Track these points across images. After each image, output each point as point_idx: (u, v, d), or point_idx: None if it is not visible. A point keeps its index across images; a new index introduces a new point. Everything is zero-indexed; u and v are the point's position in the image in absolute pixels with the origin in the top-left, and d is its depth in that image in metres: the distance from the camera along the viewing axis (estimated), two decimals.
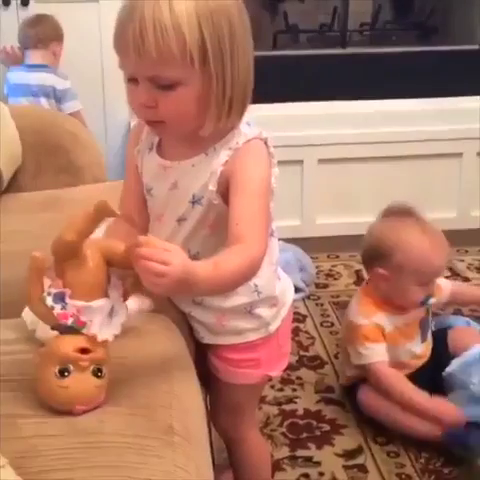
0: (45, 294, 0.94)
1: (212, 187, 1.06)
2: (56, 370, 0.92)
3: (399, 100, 2.85)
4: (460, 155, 2.79)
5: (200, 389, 1.16)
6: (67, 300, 0.93)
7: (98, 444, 0.89)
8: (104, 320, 0.95)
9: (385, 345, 1.73)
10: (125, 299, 0.99)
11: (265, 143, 1.09)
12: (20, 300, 1.22)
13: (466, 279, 2.49)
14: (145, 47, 0.95)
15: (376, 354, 1.72)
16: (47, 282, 0.96)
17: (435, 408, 1.64)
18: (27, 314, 1.13)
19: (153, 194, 1.15)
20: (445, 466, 1.61)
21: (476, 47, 3.02)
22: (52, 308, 0.93)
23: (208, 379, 1.29)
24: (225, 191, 1.06)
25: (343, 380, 1.88)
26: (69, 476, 0.84)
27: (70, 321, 0.93)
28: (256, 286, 1.17)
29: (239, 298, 1.17)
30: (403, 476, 1.59)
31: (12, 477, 0.83)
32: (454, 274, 2.53)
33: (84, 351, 0.93)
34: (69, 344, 0.93)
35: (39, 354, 0.95)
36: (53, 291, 0.94)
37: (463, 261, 2.62)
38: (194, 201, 1.09)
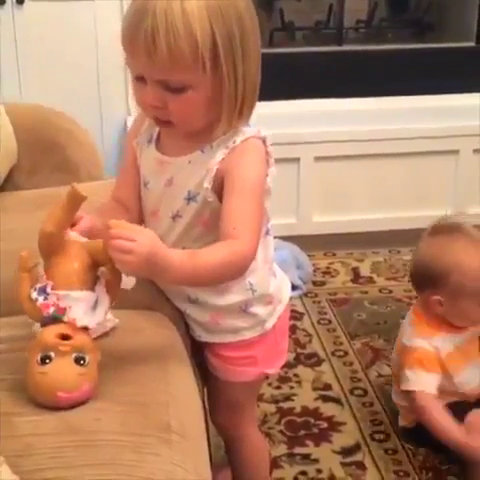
0: (31, 290, 0.97)
1: (207, 185, 1.06)
2: (38, 357, 0.93)
3: (395, 97, 2.84)
4: (457, 152, 2.79)
5: (197, 387, 1.16)
6: (48, 291, 0.95)
7: (94, 442, 0.89)
8: (86, 310, 0.96)
9: (438, 377, 1.59)
10: (113, 298, 1.01)
11: (263, 142, 1.08)
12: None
13: None
14: (157, 51, 0.94)
15: (425, 383, 1.58)
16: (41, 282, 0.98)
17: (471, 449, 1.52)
18: None
19: (149, 188, 1.14)
20: (443, 463, 1.61)
21: (472, 44, 3.02)
22: (36, 300, 0.95)
23: (206, 377, 1.29)
24: (220, 189, 1.06)
25: (404, 421, 1.70)
26: (65, 474, 0.84)
27: (51, 310, 0.95)
28: (251, 284, 1.16)
29: (234, 296, 1.16)
30: (401, 473, 1.59)
31: (9, 475, 0.83)
32: None
33: (65, 338, 0.94)
34: (50, 331, 0.95)
35: (28, 350, 0.96)
36: (38, 286, 0.97)
37: None
38: (189, 198, 1.08)
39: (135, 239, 0.90)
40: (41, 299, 0.95)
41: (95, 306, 0.98)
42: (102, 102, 2.78)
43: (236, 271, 1.03)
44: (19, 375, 0.99)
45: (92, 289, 0.99)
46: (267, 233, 1.18)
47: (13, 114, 1.83)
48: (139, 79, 1.01)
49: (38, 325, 1.01)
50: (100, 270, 1.01)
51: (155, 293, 1.23)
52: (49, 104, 2.00)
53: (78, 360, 0.94)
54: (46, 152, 1.88)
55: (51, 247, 0.97)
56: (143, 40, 0.94)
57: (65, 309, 0.95)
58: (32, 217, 1.62)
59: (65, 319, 0.95)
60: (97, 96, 2.77)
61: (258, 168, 1.06)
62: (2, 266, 1.28)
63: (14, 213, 1.65)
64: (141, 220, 1.18)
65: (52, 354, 0.93)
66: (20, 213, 1.65)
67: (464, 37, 3.06)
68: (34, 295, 0.96)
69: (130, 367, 1.04)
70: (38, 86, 2.59)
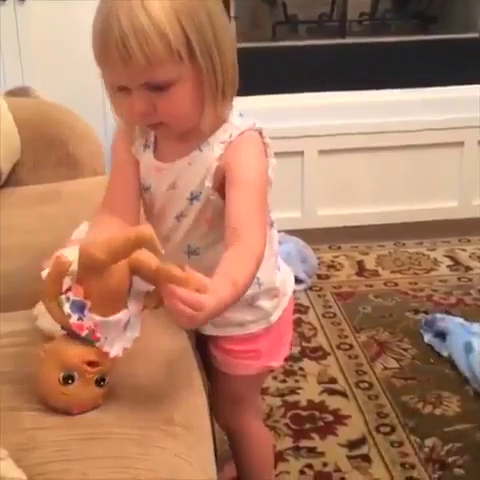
0: (63, 298, 0.89)
1: (208, 183, 1.05)
2: (60, 376, 0.90)
3: (399, 90, 2.83)
4: (461, 144, 2.78)
5: (202, 380, 1.16)
6: (86, 312, 0.89)
7: (97, 435, 0.89)
8: (118, 334, 0.92)
9: None
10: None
11: (260, 133, 1.07)
12: (20, 293, 1.22)
13: (468, 268, 2.49)
14: (131, 56, 0.93)
15: None
16: (67, 282, 0.90)
17: None
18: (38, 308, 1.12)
19: (152, 192, 1.13)
20: (449, 455, 1.60)
21: (476, 35, 3.00)
22: (69, 316, 0.89)
23: (209, 370, 1.28)
24: (221, 186, 1.05)
25: None
26: (69, 467, 0.84)
27: (85, 333, 0.90)
28: (257, 278, 1.16)
29: None
30: (407, 465, 1.59)
31: (12, 469, 0.83)
32: (456, 263, 2.52)
33: (92, 364, 0.91)
34: (79, 355, 0.91)
35: (45, 352, 0.93)
36: (72, 298, 0.89)
37: (465, 251, 2.61)
38: (192, 198, 1.08)
39: (204, 306, 0.83)
40: (75, 317, 0.89)
41: (126, 327, 0.93)
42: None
43: (257, 273, 1.01)
44: (22, 368, 0.99)
45: (125, 308, 0.92)
46: (271, 226, 1.18)
47: (16, 110, 1.83)
48: (121, 90, 1.00)
49: (46, 320, 0.99)
50: (134, 278, 0.92)
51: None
52: (52, 100, 2.00)
53: (98, 381, 0.93)
54: (49, 147, 1.88)
55: (95, 268, 0.88)
56: (116, 50, 0.94)
57: (100, 338, 0.90)
58: (35, 212, 1.63)
59: (97, 345, 0.90)
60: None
61: (258, 161, 1.05)
62: (2, 260, 1.28)
63: (17, 208, 1.65)
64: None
65: (75, 374, 0.90)
66: (23, 208, 1.66)
67: (468, 28, 3.05)
68: (66, 308, 0.89)
69: (134, 360, 1.04)
70: (41, 82, 2.58)
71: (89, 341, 0.90)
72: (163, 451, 0.89)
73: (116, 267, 0.89)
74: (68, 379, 0.90)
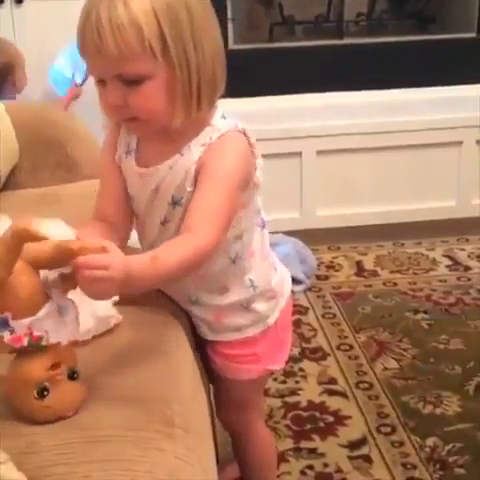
0: None
1: (189, 188, 1.04)
2: (34, 393, 0.89)
3: (397, 90, 2.83)
4: (460, 143, 2.78)
5: (202, 382, 1.16)
6: (11, 323, 0.87)
7: (97, 438, 0.88)
8: (57, 323, 0.90)
9: None
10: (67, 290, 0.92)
11: (244, 134, 1.06)
12: None
13: (467, 268, 2.49)
14: (104, 46, 0.95)
15: None
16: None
17: None
18: None
19: (135, 199, 1.13)
20: (450, 455, 1.60)
21: (473, 35, 3.00)
22: (1, 338, 0.87)
23: (211, 374, 1.28)
24: None
25: None
26: (72, 470, 0.84)
27: (25, 341, 0.88)
28: (251, 281, 1.16)
29: (235, 295, 1.16)
30: (408, 466, 1.59)
31: (14, 473, 0.83)
32: (455, 263, 2.52)
33: (54, 366, 0.90)
34: (39, 366, 0.89)
35: (9, 383, 0.91)
36: None
37: (464, 250, 2.61)
38: (174, 203, 1.07)
39: (110, 265, 0.84)
40: (8, 334, 0.87)
41: (62, 313, 0.91)
42: None
43: (194, 267, 1.00)
44: None
45: (48, 299, 0.90)
46: (263, 227, 1.18)
47: (14, 113, 1.83)
48: (100, 83, 1.01)
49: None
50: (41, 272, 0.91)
51: (158, 291, 1.23)
52: (49, 102, 2.00)
53: (71, 376, 0.92)
54: (48, 150, 1.88)
55: None
56: (91, 38, 0.95)
57: (41, 336, 0.88)
58: (34, 215, 1.63)
59: (44, 344, 0.89)
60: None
61: (235, 161, 1.03)
62: None
63: (16, 211, 1.65)
64: (128, 236, 1.15)
65: (46, 384, 0.90)
66: (22, 211, 1.65)
67: (465, 28, 3.04)
68: None
69: (134, 363, 1.04)
70: (38, 84, 2.58)
71: (35, 346, 0.88)
72: (163, 453, 0.89)
73: (15, 273, 0.87)
74: (43, 392, 0.89)
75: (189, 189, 1.04)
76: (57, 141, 1.86)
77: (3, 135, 1.78)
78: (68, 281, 0.90)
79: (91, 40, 0.95)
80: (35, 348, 0.89)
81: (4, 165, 1.78)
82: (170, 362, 1.08)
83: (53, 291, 0.91)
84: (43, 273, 0.91)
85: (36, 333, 0.88)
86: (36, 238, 0.84)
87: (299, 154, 2.71)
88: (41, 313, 0.88)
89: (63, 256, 0.85)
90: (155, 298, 1.23)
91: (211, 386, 1.33)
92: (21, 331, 0.87)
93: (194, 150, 1.04)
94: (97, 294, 0.87)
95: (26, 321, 0.88)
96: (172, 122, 1.01)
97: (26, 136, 1.83)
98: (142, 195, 1.11)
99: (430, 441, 1.65)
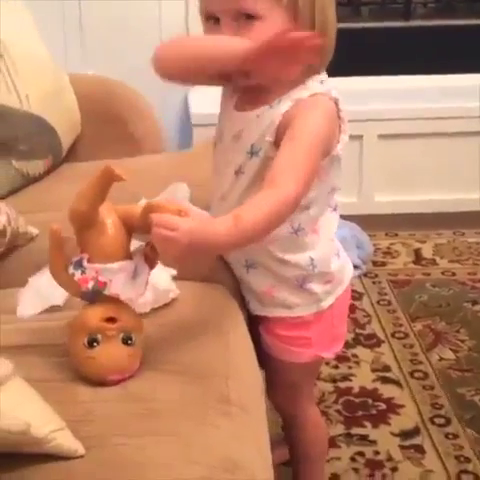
0: (69, 265, 0.94)
1: (269, 138, 1.04)
2: (85, 340, 0.92)
3: (464, 75, 2.76)
4: None
5: (256, 362, 1.14)
6: (85, 264, 0.92)
7: (152, 411, 0.88)
8: (127, 281, 0.93)
9: None
10: (151, 266, 0.97)
11: (335, 103, 1.06)
12: None
13: None
14: None
15: None
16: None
17: None
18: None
19: (222, 140, 1.14)
20: None
21: None
22: (73, 275, 0.92)
23: (263, 355, 1.26)
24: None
25: None
26: (126, 442, 0.83)
27: (90, 285, 0.91)
28: (312, 259, 1.14)
29: (292, 269, 1.14)
30: (462, 458, 1.55)
31: (70, 440, 0.83)
32: None
33: (111, 320, 0.92)
34: (95, 314, 0.92)
35: (69, 326, 0.95)
36: (73, 259, 0.93)
37: None
38: (252, 152, 1.07)
39: (177, 226, 0.87)
40: (78, 274, 0.92)
41: (135, 276, 0.94)
42: None
43: (279, 220, 0.99)
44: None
45: (129, 258, 0.95)
46: (335, 209, 1.16)
47: (77, 85, 1.84)
48: (210, 19, 1.02)
49: (20, 309, 1.02)
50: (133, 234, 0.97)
51: (216, 262, 1.21)
52: (112, 75, 2.00)
53: (125, 340, 0.93)
54: (109, 124, 1.88)
55: (85, 223, 0.93)
56: None
57: (105, 283, 0.91)
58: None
59: (106, 293, 0.92)
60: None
61: (320, 122, 1.03)
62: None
63: (77, 183, 1.66)
64: None
65: (99, 337, 0.92)
66: (83, 183, 1.66)
67: None
68: (71, 269, 0.93)
69: (190, 338, 1.04)
70: (102, 57, 2.59)
71: (97, 292, 0.91)
72: (218, 430, 0.88)
73: (105, 220, 0.93)
74: (92, 342, 0.92)
75: (269, 139, 1.04)
76: (119, 115, 1.86)
77: (66, 106, 1.78)
78: (149, 248, 0.95)
79: None
80: (98, 295, 0.92)
81: (66, 136, 1.78)
82: (227, 340, 1.07)
83: (137, 254, 0.95)
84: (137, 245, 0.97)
85: (101, 278, 0.91)
86: (119, 177, 0.89)
87: (360, 137, 2.66)
88: (115, 265, 0.92)
89: (147, 214, 0.89)
90: (212, 270, 1.22)
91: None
92: (90, 274, 0.91)
93: (283, 104, 1.04)
94: (166, 256, 0.90)
95: (97, 266, 0.91)
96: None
97: (88, 108, 1.84)
98: (226, 138, 1.12)
99: None
